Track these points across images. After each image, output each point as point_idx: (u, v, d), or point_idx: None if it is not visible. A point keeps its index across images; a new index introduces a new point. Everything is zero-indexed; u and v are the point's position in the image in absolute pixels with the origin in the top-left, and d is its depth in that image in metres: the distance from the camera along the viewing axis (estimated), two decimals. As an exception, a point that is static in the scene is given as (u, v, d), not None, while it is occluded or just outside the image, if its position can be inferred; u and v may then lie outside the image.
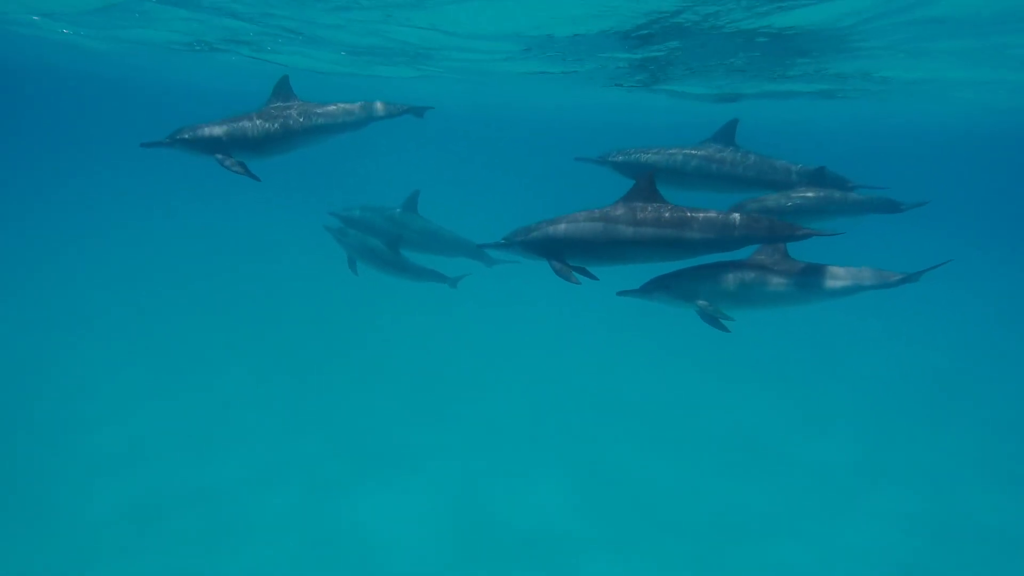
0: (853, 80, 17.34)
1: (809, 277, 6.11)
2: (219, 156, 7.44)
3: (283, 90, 7.87)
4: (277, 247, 26.27)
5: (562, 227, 6.09)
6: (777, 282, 6.07)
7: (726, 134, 7.76)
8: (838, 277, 6.16)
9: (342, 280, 11.57)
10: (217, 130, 7.52)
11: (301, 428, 12.57)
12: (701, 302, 6.05)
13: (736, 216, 5.94)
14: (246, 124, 7.58)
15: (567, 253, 6.15)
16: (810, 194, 7.45)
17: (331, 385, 14.25)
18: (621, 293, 6.37)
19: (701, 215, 5.87)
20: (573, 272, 6.16)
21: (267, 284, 21.16)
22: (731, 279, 6.07)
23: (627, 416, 14.06)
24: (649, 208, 5.92)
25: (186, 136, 7.50)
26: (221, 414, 12.83)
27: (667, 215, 5.88)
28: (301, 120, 7.73)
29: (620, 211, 5.95)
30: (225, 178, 7.62)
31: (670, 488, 11.68)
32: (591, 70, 17.53)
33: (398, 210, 10.84)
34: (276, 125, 7.64)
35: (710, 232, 5.84)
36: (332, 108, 7.89)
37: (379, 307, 18.29)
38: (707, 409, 14.73)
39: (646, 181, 6.02)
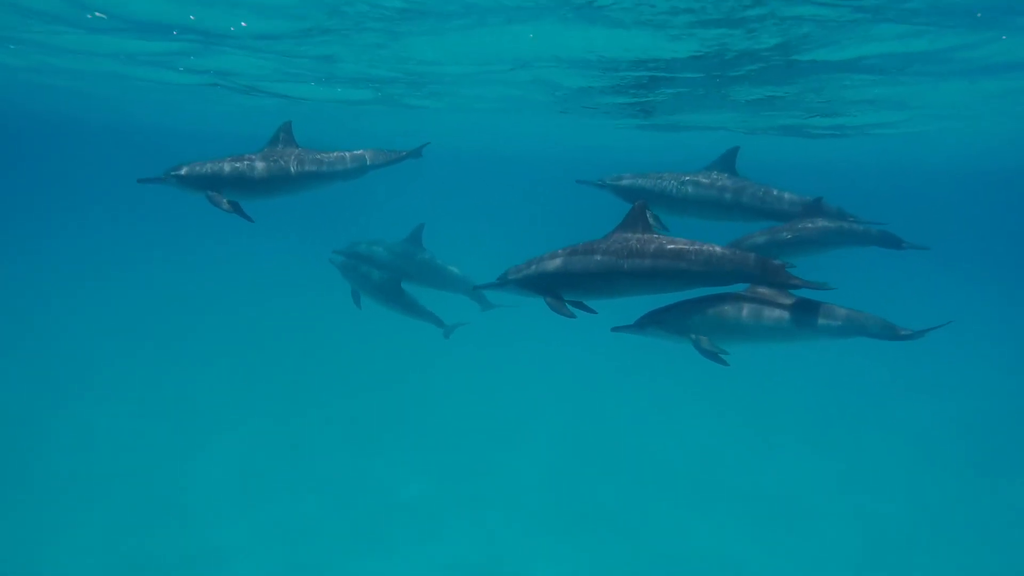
0: (887, 111, 16.97)
1: (805, 315, 5.80)
2: (211, 195, 7.41)
3: (284, 135, 7.87)
4: (276, 286, 25.70)
5: (555, 262, 5.97)
6: (772, 318, 5.78)
7: (726, 162, 7.63)
8: (835, 317, 5.84)
9: (342, 321, 11.16)
10: (213, 169, 7.50)
11: (301, 490, 11.86)
12: (696, 336, 5.80)
13: (731, 251, 5.76)
14: (242, 165, 7.57)
15: (561, 288, 5.99)
16: (809, 225, 7.29)
17: (331, 442, 13.41)
18: (615, 329, 6.18)
19: (695, 247, 5.68)
20: (568, 306, 6.01)
21: (263, 328, 20.42)
22: (725, 313, 5.82)
23: (653, 470, 13.19)
24: (641, 239, 5.76)
25: (182, 173, 7.49)
26: (219, 474, 12.13)
27: (659, 246, 5.70)
28: (297, 166, 7.70)
29: (612, 243, 5.81)
30: (220, 215, 7.53)
31: (704, 550, 10.84)
32: (619, 105, 17.45)
33: (402, 243, 10.77)
34: (271, 169, 7.62)
35: (703, 265, 5.64)
36: (329, 156, 7.86)
37: (379, 348, 17.59)
38: (737, 462, 13.77)
39: (639, 212, 5.87)
